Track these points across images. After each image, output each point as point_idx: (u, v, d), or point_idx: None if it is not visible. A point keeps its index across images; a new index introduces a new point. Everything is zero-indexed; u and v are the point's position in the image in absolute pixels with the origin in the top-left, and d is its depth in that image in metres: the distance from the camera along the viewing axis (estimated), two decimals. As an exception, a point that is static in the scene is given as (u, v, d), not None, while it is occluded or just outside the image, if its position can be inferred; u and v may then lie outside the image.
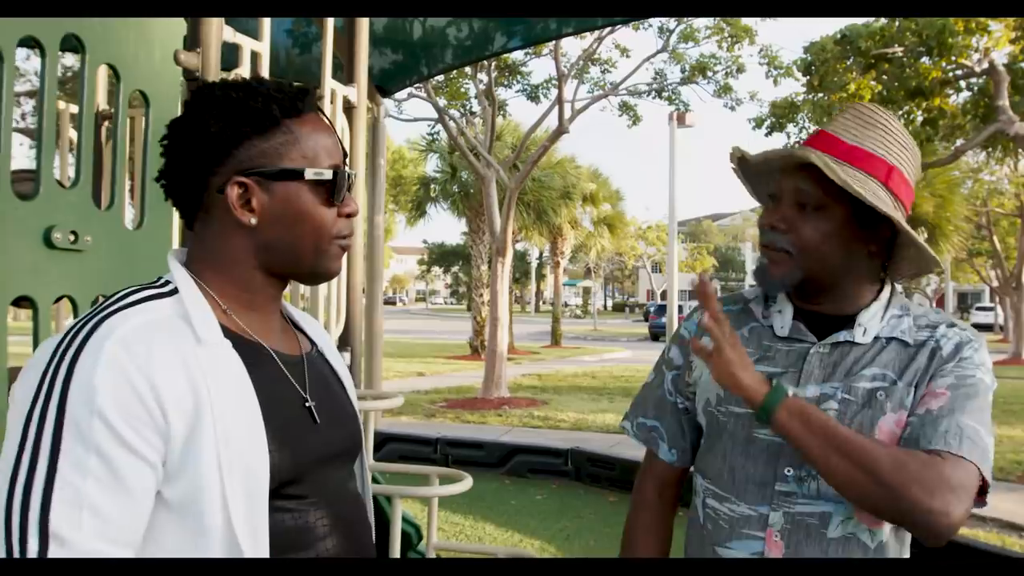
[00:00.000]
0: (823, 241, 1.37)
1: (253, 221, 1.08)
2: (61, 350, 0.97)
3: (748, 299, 1.54)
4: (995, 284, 20.87)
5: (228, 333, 1.07)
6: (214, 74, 2.58)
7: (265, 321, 1.15)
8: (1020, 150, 9.78)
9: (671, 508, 1.63)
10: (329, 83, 3.46)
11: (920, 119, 8.94)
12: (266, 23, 3.05)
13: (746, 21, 12.12)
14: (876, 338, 1.40)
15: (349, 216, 1.15)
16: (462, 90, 13.99)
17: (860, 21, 9.24)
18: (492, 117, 13.75)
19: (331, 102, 3.47)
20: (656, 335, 32.20)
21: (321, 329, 1.35)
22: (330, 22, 3.56)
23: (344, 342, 3.63)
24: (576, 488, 7.70)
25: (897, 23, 8.39)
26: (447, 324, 38.47)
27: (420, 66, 6.10)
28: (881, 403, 1.34)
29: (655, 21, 12.42)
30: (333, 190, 1.12)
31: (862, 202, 1.33)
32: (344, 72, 3.81)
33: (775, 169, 1.45)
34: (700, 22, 12.83)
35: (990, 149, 11.30)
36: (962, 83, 9.44)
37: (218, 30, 2.66)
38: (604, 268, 43.18)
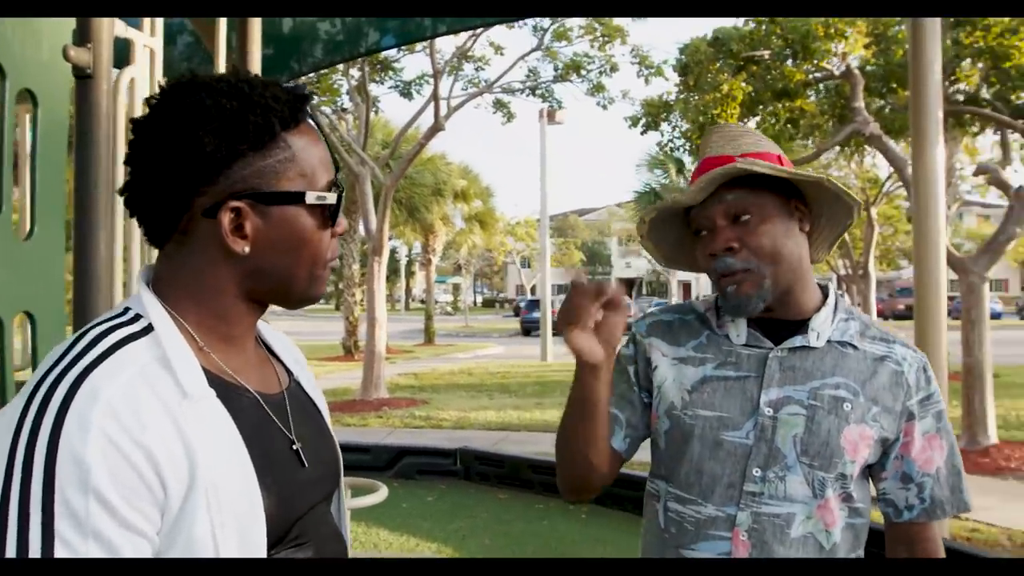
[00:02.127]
0: (772, 241, 1.41)
1: (246, 250, 0.98)
2: (34, 414, 0.84)
3: (701, 310, 1.58)
4: (842, 273, 22.13)
5: (209, 377, 0.96)
6: (106, 72, 2.39)
7: (243, 354, 1.05)
8: (873, 149, 10.42)
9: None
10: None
11: (784, 119, 9.40)
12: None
13: (618, 21, 12.41)
14: (829, 342, 1.46)
15: (340, 235, 1.07)
16: (334, 86, 13.68)
17: (730, 23, 9.65)
18: (366, 114, 13.53)
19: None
20: (528, 330, 32.54)
21: (295, 351, 1.26)
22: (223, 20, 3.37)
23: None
24: (466, 488, 7.68)
25: (764, 27, 8.79)
26: (315, 325, 37.61)
27: (291, 62, 5.91)
28: (847, 414, 1.41)
29: (530, 20, 12.50)
30: (332, 212, 1.03)
31: (781, 190, 1.43)
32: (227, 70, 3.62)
33: (691, 201, 1.46)
34: (572, 21, 13.02)
35: (845, 147, 12.00)
36: (821, 85, 9.98)
37: (109, 25, 2.46)
38: (474, 264, 43.30)
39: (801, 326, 1.46)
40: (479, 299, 72.71)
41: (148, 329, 0.95)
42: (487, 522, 6.58)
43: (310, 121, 1.04)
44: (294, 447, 1.04)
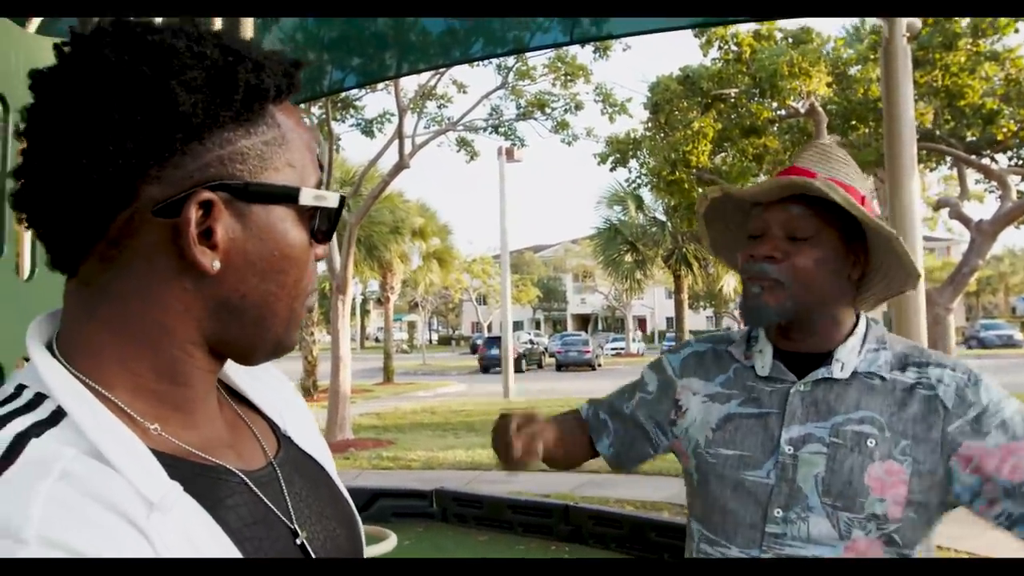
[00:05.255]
0: (817, 270, 1.37)
1: (216, 265, 0.68)
2: None
3: (731, 340, 1.56)
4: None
5: (168, 462, 0.66)
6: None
7: (209, 424, 0.75)
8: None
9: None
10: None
11: (751, 155, 9.57)
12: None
13: (581, 60, 12.58)
14: (855, 373, 1.39)
15: (319, 260, 0.80)
16: (296, 123, 13.59)
17: (696, 63, 9.83)
18: (329, 152, 13.43)
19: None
20: (487, 367, 32.39)
21: (281, 386, 0.95)
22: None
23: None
24: (444, 530, 7.52)
25: (732, 66, 8.98)
26: (271, 365, 36.99)
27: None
28: (871, 450, 1.33)
29: (493, 59, 12.58)
30: (326, 222, 0.76)
31: (848, 228, 1.37)
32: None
33: (746, 207, 1.46)
34: (535, 60, 13.16)
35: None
36: (785, 123, 10.19)
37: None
38: (431, 302, 43.14)
39: (827, 358, 1.41)
40: (435, 337, 72.38)
41: (58, 415, 0.64)
42: (469, 565, 6.44)
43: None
44: (297, 540, 0.76)
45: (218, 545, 0.66)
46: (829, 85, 9.35)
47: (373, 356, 40.28)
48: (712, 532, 1.43)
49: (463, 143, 14.55)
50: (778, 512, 1.36)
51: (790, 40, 9.34)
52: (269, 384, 0.92)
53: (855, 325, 1.45)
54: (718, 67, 9.21)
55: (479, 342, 38.86)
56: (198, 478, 0.68)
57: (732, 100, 9.31)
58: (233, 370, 0.86)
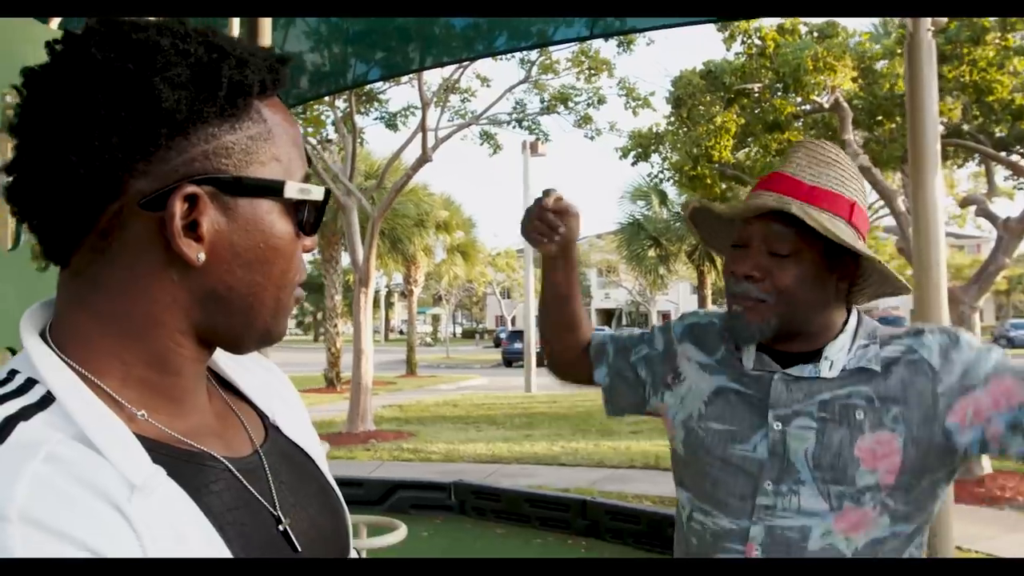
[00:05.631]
0: (798, 285, 1.36)
1: (201, 257, 0.70)
2: None
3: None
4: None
5: (152, 447, 0.68)
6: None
7: (196, 413, 0.78)
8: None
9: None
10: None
11: (774, 151, 9.49)
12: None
13: (604, 54, 12.52)
14: (844, 370, 1.39)
15: (308, 252, 0.82)
16: (321, 117, 13.66)
17: (720, 57, 9.77)
18: (352, 145, 13.50)
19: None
20: (509, 361, 32.41)
21: (275, 378, 0.98)
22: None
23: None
24: (463, 522, 7.56)
25: (755, 59, 8.90)
26: (294, 356, 37.28)
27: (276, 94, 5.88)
28: (859, 423, 1.34)
29: (517, 53, 12.57)
30: (313, 216, 0.79)
31: (832, 242, 1.34)
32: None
33: (736, 217, 1.44)
34: (559, 54, 13.13)
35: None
36: (809, 118, 10.10)
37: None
38: (454, 295, 43.24)
39: (814, 356, 1.41)
40: (459, 330, 72.52)
41: (47, 400, 0.67)
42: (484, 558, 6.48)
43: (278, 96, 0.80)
44: (280, 527, 0.78)
45: (199, 529, 0.68)
46: (854, 80, 9.25)
47: (397, 349, 40.45)
48: (704, 503, 1.45)
49: (487, 137, 14.55)
50: (769, 485, 1.37)
51: (815, 34, 9.25)
52: (260, 375, 0.94)
53: (846, 321, 1.44)
54: (741, 61, 9.15)
55: (502, 336, 38.90)
56: (182, 464, 0.71)
57: (755, 95, 9.23)
58: (224, 361, 0.89)
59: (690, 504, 1.49)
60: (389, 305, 59.01)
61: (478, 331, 68.33)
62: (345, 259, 19.20)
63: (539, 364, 25.61)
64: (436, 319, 60.26)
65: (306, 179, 0.79)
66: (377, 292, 51.73)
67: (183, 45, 0.69)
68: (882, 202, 10.19)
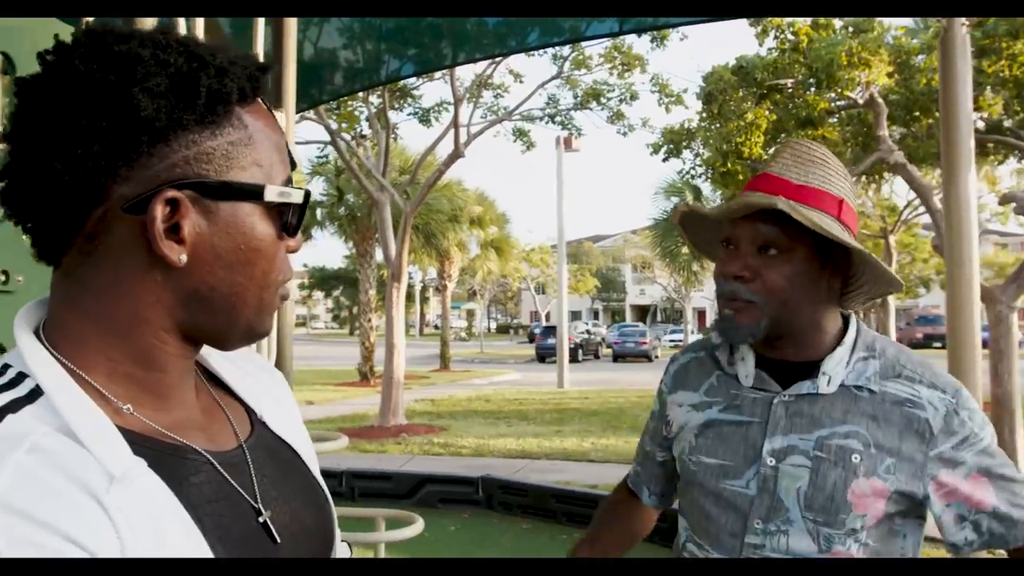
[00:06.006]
0: (789, 284, 1.34)
1: (183, 258, 0.73)
2: None
3: (714, 345, 1.51)
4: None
5: (134, 440, 0.71)
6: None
7: (182, 408, 0.80)
8: (897, 177, 10.41)
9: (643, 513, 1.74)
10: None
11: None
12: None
13: (636, 50, 12.46)
14: (842, 386, 1.36)
15: (293, 253, 0.84)
16: (355, 112, 13.77)
17: (752, 52, 9.68)
18: (386, 140, 13.58)
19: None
20: (543, 356, 32.44)
21: (267, 375, 1.01)
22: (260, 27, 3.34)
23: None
24: (490, 517, 7.61)
25: (788, 55, 8.81)
26: (330, 350, 37.66)
27: (310, 90, 5.93)
28: (855, 466, 1.32)
29: (549, 48, 12.56)
30: (294, 219, 0.81)
31: (822, 239, 1.32)
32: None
33: (724, 217, 1.42)
34: (591, 49, 13.09)
35: (867, 176, 11.98)
36: (844, 114, 9.97)
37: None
38: (489, 290, 43.33)
39: (813, 369, 1.38)
40: (493, 325, 72.67)
41: (36, 393, 0.70)
42: (511, 552, 6.51)
43: (262, 102, 0.81)
44: (260, 519, 0.80)
45: (178, 520, 0.70)
46: (890, 75, 9.11)
47: (431, 343, 40.64)
48: (698, 535, 1.44)
49: (519, 133, 14.56)
50: (758, 523, 1.35)
51: (849, 29, 9.12)
52: (249, 372, 0.96)
53: (844, 332, 1.41)
54: (773, 57, 9.04)
55: (536, 331, 38.91)
56: (165, 456, 0.73)
57: (788, 91, 9.13)
58: (214, 357, 0.92)
59: (686, 533, 1.48)
60: (424, 300, 59.34)
61: (512, 326, 68.37)
62: (379, 254, 19.31)
63: (573, 360, 25.66)
64: (471, 314, 60.43)
65: (288, 182, 0.81)
66: (411, 287, 52.09)
67: (163, 56, 0.72)
68: (919, 200, 10.03)
